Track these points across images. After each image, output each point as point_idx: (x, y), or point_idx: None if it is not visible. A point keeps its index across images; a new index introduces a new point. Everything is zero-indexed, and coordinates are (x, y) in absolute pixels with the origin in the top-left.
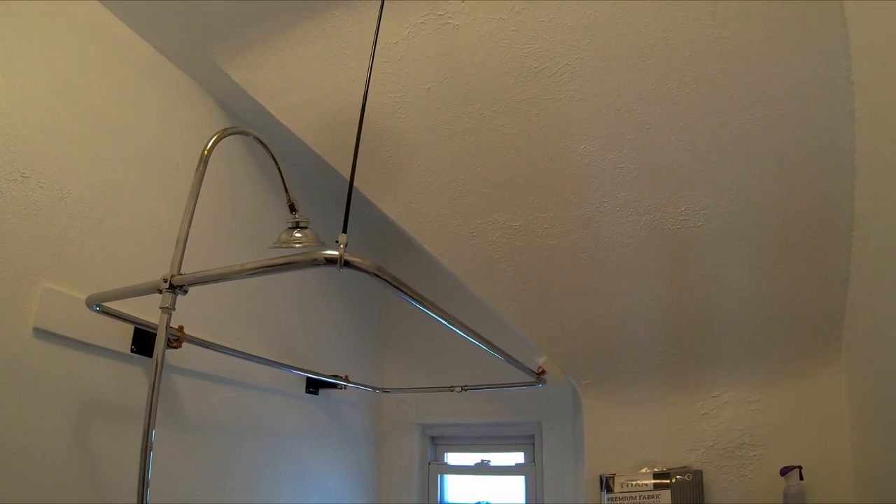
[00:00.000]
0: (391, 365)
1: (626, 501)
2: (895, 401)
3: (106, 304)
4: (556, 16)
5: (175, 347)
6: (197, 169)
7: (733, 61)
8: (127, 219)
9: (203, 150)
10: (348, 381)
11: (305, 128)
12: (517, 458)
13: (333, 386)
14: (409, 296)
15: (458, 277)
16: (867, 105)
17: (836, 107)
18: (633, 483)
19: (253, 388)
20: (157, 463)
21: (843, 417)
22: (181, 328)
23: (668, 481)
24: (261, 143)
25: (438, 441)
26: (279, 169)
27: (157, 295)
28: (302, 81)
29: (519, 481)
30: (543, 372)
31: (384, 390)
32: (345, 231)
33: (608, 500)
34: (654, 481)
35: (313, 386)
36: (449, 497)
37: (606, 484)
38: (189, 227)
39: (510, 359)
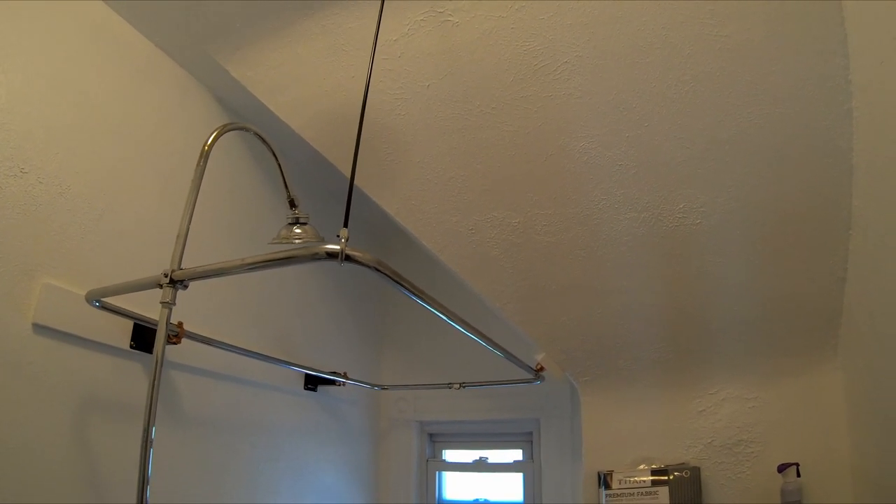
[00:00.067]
0: (389, 362)
1: (624, 498)
2: (891, 398)
3: (105, 299)
4: (556, 14)
5: (175, 343)
6: (197, 164)
7: (732, 60)
8: (126, 215)
9: (203, 146)
10: (347, 378)
11: (305, 124)
12: (515, 455)
13: (332, 383)
14: (410, 291)
15: (456, 274)
16: (865, 104)
17: (834, 106)
18: (631, 480)
19: (252, 384)
20: (155, 459)
21: (840, 415)
22: (180, 324)
23: (665, 478)
24: (261, 138)
25: (437, 438)
26: (279, 164)
27: (157, 291)
28: (301, 78)
29: (517, 478)
30: (542, 369)
31: (382, 387)
32: (346, 225)
33: (606, 496)
34: (651, 478)
35: (312, 383)
36: (447, 494)
37: (604, 480)
38: (190, 222)
39: (509, 355)
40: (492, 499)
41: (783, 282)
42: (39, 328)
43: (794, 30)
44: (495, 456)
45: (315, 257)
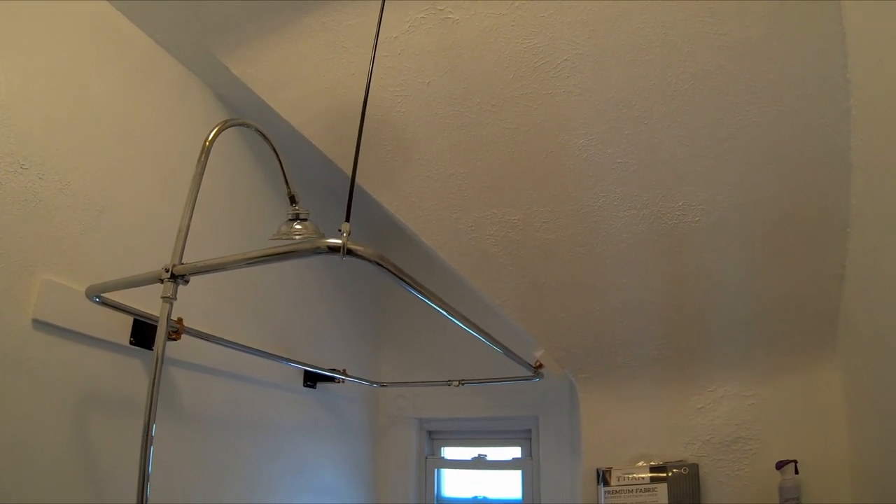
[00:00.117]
0: (388, 359)
1: (622, 495)
2: (890, 396)
3: (105, 295)
4: (556, 11)
5: (174, 339)
6: (198, 160)
7: (731, 58)
8: (126, 211)
9: (205, 142)
10: (346, 375)
11: (305, 121)
12: (514, 452)
13: (331, 380)
14: (411, 285)
15: (455, 271)
16: (863, 103)
17: (833, 104)
18: (630, 477)
19: (251, 381)
20: (155, 455)
21: (839, 412)
22: (180, 320)
23: (664, 475)
24: (261, 134)
25: (435, 435)
26: (279, 160)
27: (156, 288)
28: (302, 75)
29: (516, 475)
30: (541, 366)
31: (381, 384)
32: (348, 220)
33: (605, 493)
34: (650, 475)
35: (311, 379)
36: (446, 491)
37: (603, 477)
38: (191, 217)
39: (508, 351)
40: (491, 496)
41: (782, 280)
42: (39, 324)
43: (792, 28)
44: (494, 453)
45: (317, 251)
